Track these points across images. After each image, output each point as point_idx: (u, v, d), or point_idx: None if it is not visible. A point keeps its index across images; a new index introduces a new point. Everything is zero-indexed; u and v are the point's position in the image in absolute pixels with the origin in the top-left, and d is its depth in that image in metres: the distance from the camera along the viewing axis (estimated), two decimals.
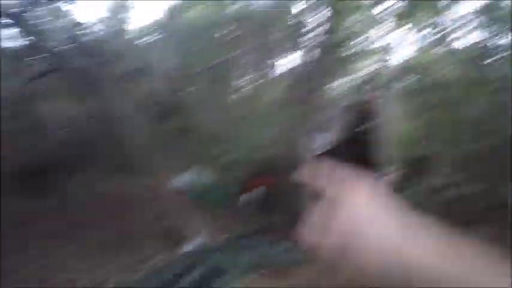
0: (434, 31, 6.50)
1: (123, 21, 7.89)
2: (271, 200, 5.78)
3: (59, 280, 4.52)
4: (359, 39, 7.05)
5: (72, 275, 4.60)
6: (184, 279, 4.05)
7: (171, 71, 7.13)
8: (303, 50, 7.11)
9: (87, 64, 6.08)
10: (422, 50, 7.03)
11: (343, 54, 7.00)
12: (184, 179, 7.38)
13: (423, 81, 6.50)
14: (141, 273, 4.45)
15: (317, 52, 6.62)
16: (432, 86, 5.89)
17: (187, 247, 4.92)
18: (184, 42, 7.60)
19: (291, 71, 7.62)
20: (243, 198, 6.50)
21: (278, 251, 4.74)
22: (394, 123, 2.81)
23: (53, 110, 6.76)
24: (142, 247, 5.18)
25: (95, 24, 7.46)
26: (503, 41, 5.37)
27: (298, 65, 7.28)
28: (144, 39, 8.22)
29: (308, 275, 4.20)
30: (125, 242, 5.29)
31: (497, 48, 5.43)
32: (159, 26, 8.21)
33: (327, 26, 6.55)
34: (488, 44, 5.53)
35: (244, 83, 8.45)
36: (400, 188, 3.44)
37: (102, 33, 7.51)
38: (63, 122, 6.84)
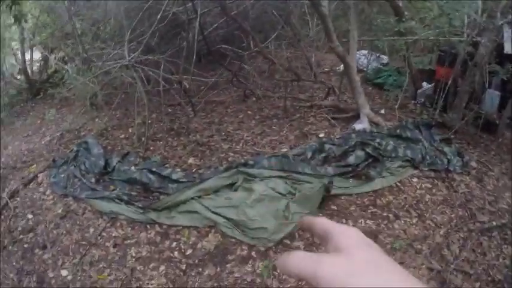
0: None
1: None
2: (450, 96, 5.28)
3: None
4: None
5: (246, 138, 5.12)
6: (346, 158, 4.36)
7: None
8: None
9: None
10: None
11: None
12: (359, 58, 7.11)
13: None
14: (308, 143, 4.76)
15: None
16: None
17: (354, 127, 5.04)
18: None
19: None
20: (421, 87, 6.08)
21: (445, 152, 4.58)
22: None
23: None
24: (310, 119, 5.51)
25: None
26: None
27: None
28: None
29: (465, 186, 4.21)
30: (294, 112, 5.46)
31: None
32: None
33: None
34: None
35: None
36: None
37: None
38: None
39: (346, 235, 0.42)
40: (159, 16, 5.38)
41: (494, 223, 3.73)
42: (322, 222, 0.46)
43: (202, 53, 6.81)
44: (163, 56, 5.56)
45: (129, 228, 3.85)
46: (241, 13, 6.14)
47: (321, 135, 5.01)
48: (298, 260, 0.40)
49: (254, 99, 6.28)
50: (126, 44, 5.55)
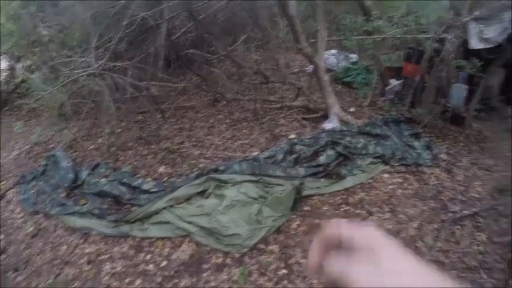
0: None
1: None
2: (418, 91, 5.40)
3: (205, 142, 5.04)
4: None
5: (216, 143, 5.07)
6: (316, 158, 4.36)
7: None
8: None
9: None
10: None
11: None
12: (329, 57, 7.21)
13: None
14: (279, 145, 4.79)
15: None
16: None
17: (324, 126, 5.09)
18: None
19: None
20: (389, 84, 6.12)
21: (414, 147, 4.67)
22: None
23: None
24: (280, 120, 5.54)
25: None
26: None
27: None
28: None
29: (435, 178, 4.28)
30: (264, 114, 5.50)
31: None
32: None
33: None
34: None
35: None
36: None
37: None
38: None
39: (368, 235, 0.43)
40: (126, 22, 5.27)
41: (465, 212, 3.81)
42: (343, 232, 0.45)
43: (170, 58, 6.73)
44: (131, 62, 5.46)
45: (103, 243, 3.76)
46: (209, 16, 6.09)
47: (292, 136, 5.02)
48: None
49: (224, 103, 6.25)
50: (93, 50, 5.42)
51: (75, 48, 6.71)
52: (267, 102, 6.05)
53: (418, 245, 3.42)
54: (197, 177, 4.08)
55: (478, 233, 3.62)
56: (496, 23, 5.22)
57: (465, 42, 5.17)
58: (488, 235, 3.56)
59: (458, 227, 3.66)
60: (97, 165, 4.84)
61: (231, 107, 6.08)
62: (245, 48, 7.14)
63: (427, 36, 5.24)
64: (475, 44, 5.13)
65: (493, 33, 5.19)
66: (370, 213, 3.80)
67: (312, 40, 5.99)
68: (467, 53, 5.21)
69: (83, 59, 5.81)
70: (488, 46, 5.14)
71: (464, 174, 4.52)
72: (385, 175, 4.30)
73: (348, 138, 4.49)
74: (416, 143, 4.67)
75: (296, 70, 7.75)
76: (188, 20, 6.30)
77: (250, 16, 6.56)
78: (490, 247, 3.41)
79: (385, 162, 4.36)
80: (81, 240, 3.81)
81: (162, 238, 3.67)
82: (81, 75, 5.38)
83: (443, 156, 4.72)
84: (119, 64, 5.62)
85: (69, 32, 6.98)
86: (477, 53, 5.21)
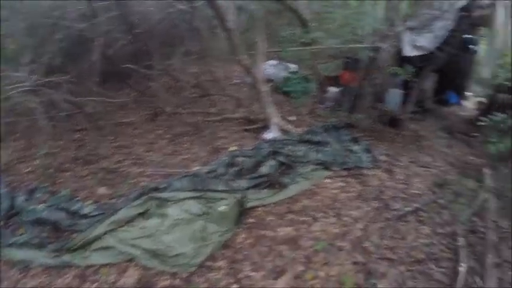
0: None
1: None
2: (356, 97, 5.61)
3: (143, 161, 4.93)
4: None
5: (157, 159, 4.96)
6: (258, 169, 4.35)
7: None
8: None
9: None
10: None
11: None
12: (269, 67, 7.27)
13: None
14: (220, 158, 4.79)
15: None
16: None
17: (265, 137, 5.13)
18: None
19: None
20: (328, 92, 6.29)
21: (354, 151, 4.81)
22: (508, 40, 3.61)
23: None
24: (221, 133, 5.52)
25: None
26: None
27: None
28: None
29: (377, 179, 4.43)
30: (204, 128, 5.54)
31: None
32: None
33: None
34: None
35: None
36: (490, 111, 3.96)
37: None
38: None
39: None
40: (62, 35, 5.01)
41: (408, 208, 3.96)
42: None
43: (108, 72, 6.49)
44: (66, 77, 5.19)
45: (45, 276, 3.47)
46: (148, 29, 5.95)
47: (233, 148, 5.01)
48: None
49: (164, 117, 6.11)
50: (27, 65, 5.10)
51: (9, 62, 6.27)
52: (207, 115, 6.01)
53: (365, 245, 3.45)
54: (138, 197, 3.94)
55: (422, 227, 3.74)
56: (427, 32, 5.60)
57: (399, 51, 5.47)
58: (432, 227, 3.71)
59: (403, 223, 3.78)
60: (34, 190, 4.51)
61: (171, 122, 5.95)
62: (184, 60, 7.04)
63: (363, 46, 5.48)
64: (408, 51, 5.46)
65: (425, 41, 5.56)
66: (315, 219, 3.84)
67: (251, 52, 6.05)
68: (402, 60, 5.53)
69: (17, 74, 5.44)
70: (420, 53, 5.49)
71: (404, 172, 4.72)
72: (328, 180, 4.37)
73: (289, 147, 4.55)
74: (356, 147, 4.83)
75: (236, 81, 7.77)
76: (126, 33, 6.12)
77: (190, 28, 6.50)
78: (434, 239, 3.55)
79: (327, 168, 4.46)
80: (22, 275, 3.52)
81: (107, 264, 3.48)
82: (15, 92, 5.03)
83: (382, 157, 4.92)
84: (54, 79, 5.33)
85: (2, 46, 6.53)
86: (410, 60, 5.55)
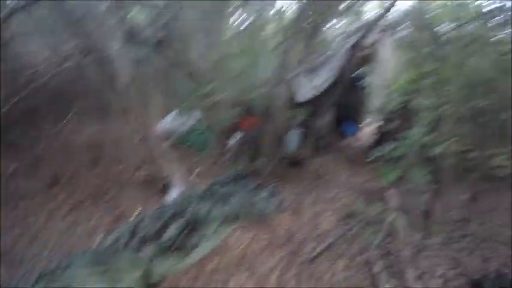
0: None
1: None
2: (257, 143, 5.72)
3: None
4: None
5: (56, 234, 4.65)
6: (163, 233, 4.08)
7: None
8: None
9: None
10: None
11: None
12: (169, 122, 7.13)
13: (426, 32, 6.03)
14: (120, 226, 4.46)
15: None
16: (436, 37, 5.67)
17: (169, 196, 5.01)
18: None
19: (289, 9, 7.14)
20: (229, 141, 6.36)
21: (259, 198, 4.71)
22: (392, 72, 4.28)
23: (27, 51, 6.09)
24: (123, 197, 5.29)
25: None
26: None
27: (297, 3, 6.48)
28: None
29: (286, 224, 4.52)
30: (106, 192, 5.42)
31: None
32: None
33: None
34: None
35: (239, 18, 7.82)
36: (384, 137, 4.68)
37: None
38: (39, 63, 5.77)
39: None
40: None
41: (321, 247, 4.05)
42: None
43: None
44: None
45: None
46: (40, 85, 5.54)
47: (137, 212, 4.79)
48: None
49: (63, 182, 5.62)
50: None
51: None
52: (108, 177, 5.69)
53: None
54: (35, 283, 3.49)
55: (338, 261, 3.85)
56: (321, 72, 6.08)
57: (295, 93, 5.84)
58: (348, 260, 3.83)
59: (317, 263, 3.85)
60: None
61: (71, 187, 5.48)
62: (81, 119, 6.67)
63: (261, 92, 5.74)
64: (303, 93, 5.85)
65: (318, 82, 6.01)
66: (230, 275, 3.76)
67: (149, 107, 5.97)
68: (298, 102, 5.89)
69: None
70: (314, 94, 5.91)
71: (312, 211, 4.87)
72: (237, 233, 4.34)
73: (195, 204, 4.45)
74: (261, 194, 4.88)
75: (140, 138, 7.54)
76: (14, 91, 5.59)
77: (87, 83, 6.24)
78: (352, 270, 3.68)
79: (235, 221, 4.43)
80: None
81: None
82: None
83: (289, 200, 5.04)
84: None
85: None
86: (306, 100, 5.94)
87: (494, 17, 5.20)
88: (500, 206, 5.08)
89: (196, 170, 5.71)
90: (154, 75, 5.88)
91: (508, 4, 4.95)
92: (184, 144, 6.80)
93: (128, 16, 5.95)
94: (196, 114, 7.03)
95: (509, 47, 4.82)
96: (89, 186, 5.41)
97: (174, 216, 4.21)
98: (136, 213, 4.76)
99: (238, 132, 6.34)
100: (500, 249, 3.99)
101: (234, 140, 6.35)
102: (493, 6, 5.24)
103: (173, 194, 4.92)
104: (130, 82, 5.14)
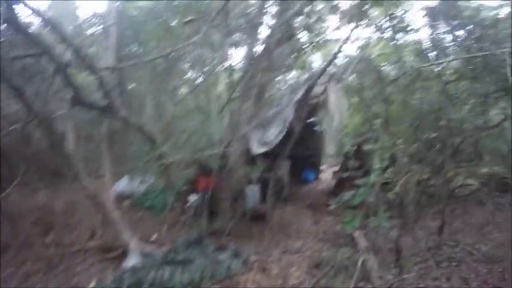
0: (386, 25, 6.18)
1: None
2: (216, 202, 5.55)
3: None
4: (311, 32, 6.78)
5: None
6: None
7: (111, 65, 6.68)
8: (252, 43, 6.47)
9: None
10: (374, 44, 6.87)
11: (295, 47, 6.74)
12: (124, 184, 6.89)
13: (373, 75, 6.10)
14: None
15: (268, 45, 6.08)
16: (381, 79, 5.84)
17: (127, 263, 4.69)
18: (126, 34, 7.33)
19: (239, 65, 7.30)
20: (187, 202, 6.16)
21: (223, 259, 4.58)
22: (342, 117, 4.21)
23: None
24: (78, 266, 4.96)
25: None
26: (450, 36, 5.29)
27: (246, 59, 6.67)
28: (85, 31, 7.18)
29: (252, 283, 4.21)
30: (61, 258, 5.10)
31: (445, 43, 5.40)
32: (100, 16, 7.48)
33: (279, 19, 6.24)
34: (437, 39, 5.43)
35: (190, 77, 8.24)
36: (343, 181, 4.66)
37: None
38: None
39: None
40: None
41: None
42: None
43: None
44: None
45: None
46: None
47: (92, 284, 4.32)
48: None
49: (12, 253, 5.04)
50: None
51: None
52: (60, 246, 5.18)
53: None
54: None
55: None
56: (272, 127, 6.13)
57: (249, 149, 5.80)
58: None
59: None
60: None
61: (21, 257, 4.92)
62: (29, 184, 6.18)
63: (215, 151, 5.64)
64: (257, 149, 5.83)
65: (271, 136, 6.04)
66: None
67: (101, 171, 5.69)
68: (254, 157, 5.85)
69: None
70: (268, 148, 5.91)
71: (279, 266, 4.60)
72: None
73: (153, 273, 4.10)
74: (224, 255, 4.62)
75: (91, 203, 7.11)
76: None
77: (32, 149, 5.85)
78: None
79: (198, 286, 4.11)
80: None
81: None
82: None
83: (253, 257, 4.76)
84: None
85: None
86: (262, 154, 5.91)
87: (434, 51, 5.59)
88: (470, 223, 5.15)
89: (155, 234, 5.36)
90: (105, 138, 5.67)
91: (445, 36, 5.33)
92: (141, 206, 6.50)
93: (77, 79, 5.86)
94: (152, 176, 6.81)
95: (452, 76, 5.07)
96: (41, 255, 4.92)
97: (134, 285, 3.86)
98: (92, 283, 4.29)
99: (196, 193, 6.12)
100: (479, 268, 3.92)
101: (192, 201, 6.12)
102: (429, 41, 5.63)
103: (132, 261, 4.53)
104: (81, 146, 4.90)
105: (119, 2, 7.38)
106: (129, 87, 7.03)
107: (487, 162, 5.14)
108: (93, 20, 8.00)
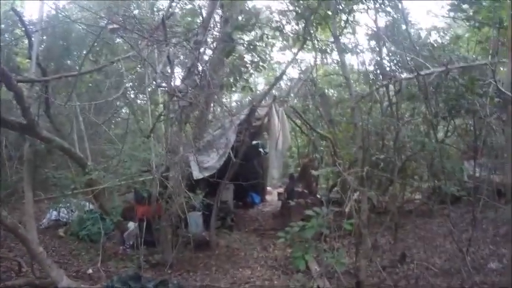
0: (331, 49, 6.69)
1: None
2: (155, 232, 5.19)
3: None
4: (255, 54, 6.65)
5: None
6: None
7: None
8: (193, 63, 5.78)
9: None
10: (318, 67, 6.96)
11: (239, 69, 6.42)
12: (55, 214, 6.26)
13: (316, 97, 6.67)
14: None
15: (210, 65, 5.91)
16: (325, 101, 6.23)
17: None
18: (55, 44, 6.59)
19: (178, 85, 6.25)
20: (125, 231, 5.67)
21: None
22: (286, 138, 3.88)
23: None
24: None
25: None
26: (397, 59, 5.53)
27: (186, 80, 5.91)
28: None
29: None
30: None
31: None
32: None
33: (221, 39, 6.09)
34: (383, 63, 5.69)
35: (123, 97, 7.63)
36: (289, 202, 4.23)
37: None
38: None
39: None
40: None
41: None
42: None
43: None
44: None
45: None
46: None
47: None
48: None
49: None
50: None
51: None
52: None
53: None
54: None
55: None
56: (214, 151, 5.79)
57: (190, 174, 5.39)
58: None
59: None
60: None
61: None
62: None
63: (151, 177, 5.14)
64: (198, 174, 5.46)
65: (212, 161, 5.70)
66: None
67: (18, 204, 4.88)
68: (196, 181, 5.45)
69: None
70: (209, 174, 5.55)
71: None
72: None
73: None
74: None
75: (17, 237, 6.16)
76: None
77: None
78: None
79: None
80: None
81: None
82: None
83: None
84: None
85: None
86: (203, 180, 5.53)
87: (377, 75, 5.70)
88: (421, 237, 5.19)
89: (90, 269, 4.66)
90: (27, 161, 4.95)
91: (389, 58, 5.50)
92: (77, 235, 5.82)
93: None
94: (86, 204, 6.24)
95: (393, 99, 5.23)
96: None
97: None
98: None
99: (134, 221, 5.53)
100: (437, 282, 3.90)
101: (131, 228, 5.56)
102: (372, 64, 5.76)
103: None
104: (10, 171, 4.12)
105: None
106: (56, 105, 6.24)
107: (430, 178, 5.26)
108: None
